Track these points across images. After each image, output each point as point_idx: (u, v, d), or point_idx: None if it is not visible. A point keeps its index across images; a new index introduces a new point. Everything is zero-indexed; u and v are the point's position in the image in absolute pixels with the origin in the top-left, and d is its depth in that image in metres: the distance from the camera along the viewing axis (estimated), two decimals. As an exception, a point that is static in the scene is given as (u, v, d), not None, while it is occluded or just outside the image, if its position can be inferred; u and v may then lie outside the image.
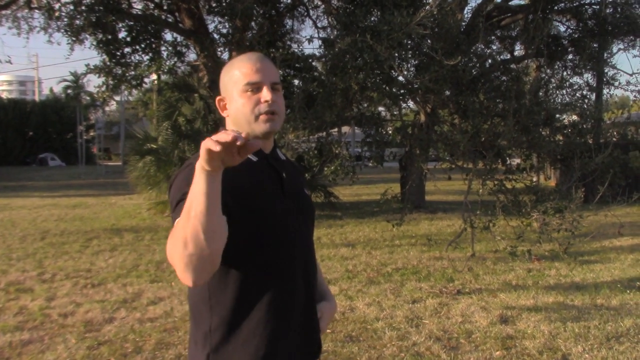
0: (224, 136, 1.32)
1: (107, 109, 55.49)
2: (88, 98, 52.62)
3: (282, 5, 9.36)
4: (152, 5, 9.73)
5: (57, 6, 7.82)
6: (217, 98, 1.90)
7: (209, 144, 1.32)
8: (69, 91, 54.99)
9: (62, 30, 7.81)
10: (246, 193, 1.74)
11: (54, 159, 49.55)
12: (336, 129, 9.68)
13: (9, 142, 48.84)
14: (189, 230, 1.44)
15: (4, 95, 72.01)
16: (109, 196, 20.72)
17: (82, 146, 43.47)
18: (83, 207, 17.32)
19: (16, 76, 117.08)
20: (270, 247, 1.77)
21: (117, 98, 42.51)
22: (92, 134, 55.63)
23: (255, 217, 1.73)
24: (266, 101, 1.78)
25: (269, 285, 1.76)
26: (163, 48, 9.51)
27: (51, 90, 67.78)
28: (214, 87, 9.07)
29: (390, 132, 11.03)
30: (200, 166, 1.41)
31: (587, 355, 4.78)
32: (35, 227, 12.71)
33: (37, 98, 72.87)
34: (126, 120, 51.83)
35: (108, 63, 8.21)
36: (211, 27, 10.62)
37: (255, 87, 1.79)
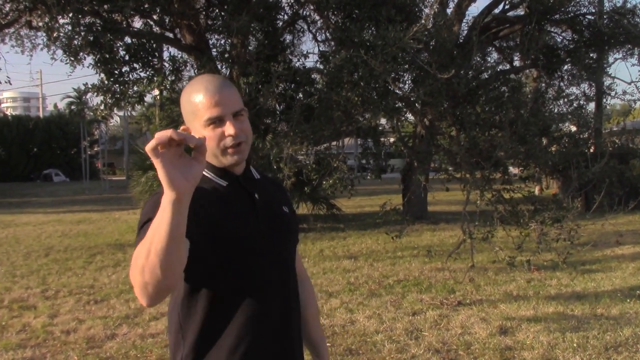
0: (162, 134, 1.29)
1: (110, 124, 55.71)
2: (91, 114, 52.89)
3: (279, 21, 9.46)
4: (152, 22, 9.84)
5: (55, 26, 7.92)
6: (182, 128, 1.76)
7: (153, 142, 1.29)
8: (73, 107, 55.36)
9: (61, 50, 7.92)
10: (213, 219, 1.71)
11: (58, 175, 49.72)
12: (336, 143, 9.75)
13: (13, 159, 49.07)
14: (147, 263, 1.38)
15: (8, 112, 72.45)
16: (112, 211, 20.80)
17: (86, 161, 43.59)
18: (87, 222, 17.40)
19: (20, 93, 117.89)
20: (240, 272, 1.74)
21: (120, 114, 42.75)
22: (96, 149, 55.83)
23: (223, 243, 1.70)
24: (230, 135, 1.72)
25: (239, 311, 1.74)
26: (160, 65, 9.61)
27: (55, 106, 68.32)
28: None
29: (392, 141, 11.09)
30: (164, 194, 1.35)
31: (585, 366, 4.80)
32: (39, 244, 12.78)
33: (41, 114, 73.25)
34: (130, 135, 52.09)
35: (106, 82, 8.29)
36: (211, 42, 10.74)
37: (217, 120, 1.72)
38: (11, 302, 7.43)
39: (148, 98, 10.75)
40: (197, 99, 1.73)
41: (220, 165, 1.79)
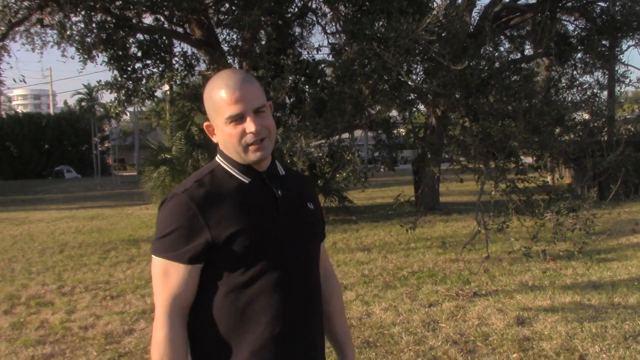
0: None
1: (120, 120, 55.87)
2: (102, 110, 53.09)
3: (289, 14, 9.43)
4: (163, 18, 9.86)
5: (68, 24, 7.95)
6: (205, 124, 1.86)
7: None
8: (83, 104, 55.54)
9: (74, 48, 7.95)
10: (232, 219, 1.71)
11: (70, 171, 49.98)
12: (347, 135, 9.72)
13: (25, 156, 49.35)
14: None
15: (19, 110, 72.83)
16: (125, 207, 20.89)
17: (97, 157, 43.78)
18: (100, 218, 17.49)
19: (31, 90, 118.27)
20: (260, 269, 1.73)
21: (130, 109, 42.85)
22: (106, 145, 56.05)
23: (242, 241, 1.70)
24: (251, 132, 1.72)
25: (259, 309, 1.73)
26: (174, 60, 9.62)
27: (65, 103, 68.55)
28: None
29: (402, 133, 11.05)
30: None
31: (604, 355, 4.78)
32: (53, 240, 12.86)
33: (51, 111, 73.56)
34: (140, 131, 52.19)
35: (119, 79, 8.32)
36: (221, 36, 10.72)
37: (238, 118, 1.72)
38: (28, 298, 7.49)
39: (159, 93, 10.77)
40: (218, 96, 1.73)
41: (244, 162, 1.79)
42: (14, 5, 9.50)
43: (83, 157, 54.05)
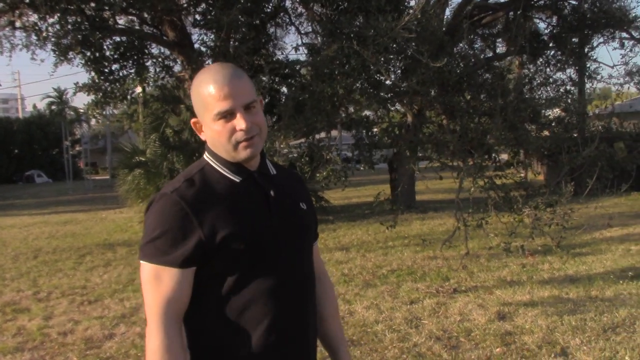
0: None
1: (92, 123, 55.28)
2: (72, 113, 52.42)
3: (264, 14, 9.40)
4: (138, 20, 9.76)
5: (44, 26, 7.83)
6: (192, 120, 1.77)
7: None
8: (53, 107, 54.73)
9: (50, 50, 7.83)
10: (226, 221, 1.64)
11: (41, 176, 49.24)
12: (324, 134, 9.73)
13: (-6, 161, 48.51)
14: None
15: (-13, 114, 71.49)
16: (99, 211, 20.61)
17: (68, 162, 43.13)
18: (74, 223, 17.23)
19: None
20: (252, 272, 1.68)
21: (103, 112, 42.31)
22: (78, 148, 55.28)
23: (237, 245, 1.64)
24: (242, 129, 1.64)
25: (251, 313, 1.68)
26: (149, 62, 9.51)
27: (35, 107, 67.47)
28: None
29: (377, 132, 11.09)
30: None
31: (585, 348, 4.85)
32: (27, 246, 12.64)
33: (20, 115, 72.36)
34: (112, 134, 51.60)
35: (97, 80, 8.21)
36: (195, 37, 10.63)
37: (227, 114, 1.64)
38: (3, 305, 7.35)
39: (133, 95, 10.65)
40: (206, 92, 1.64)
41: (233, 160, 1.71)
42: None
43: (54, 161, 53.23)
